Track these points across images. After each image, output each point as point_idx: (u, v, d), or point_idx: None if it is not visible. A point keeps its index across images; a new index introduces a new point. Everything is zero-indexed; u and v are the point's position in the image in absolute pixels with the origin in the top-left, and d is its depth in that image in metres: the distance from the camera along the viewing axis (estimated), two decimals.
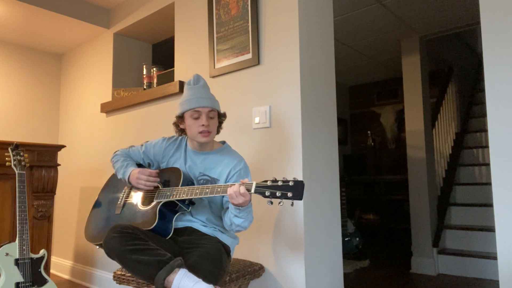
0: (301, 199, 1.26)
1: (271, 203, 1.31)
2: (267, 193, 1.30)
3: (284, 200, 1.28)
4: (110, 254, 1.39)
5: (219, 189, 1.41)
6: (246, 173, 1.64)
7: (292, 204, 1.29)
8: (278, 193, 1.28)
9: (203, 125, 1.56)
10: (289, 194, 1.27)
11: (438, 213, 3.60)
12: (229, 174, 1.60)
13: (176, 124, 1.69)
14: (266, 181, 1.33)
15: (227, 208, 1.54)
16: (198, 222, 1.61)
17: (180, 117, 1.63)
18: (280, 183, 1.29)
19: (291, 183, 1.28)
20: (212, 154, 1.66)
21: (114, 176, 1.85)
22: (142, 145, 1.77)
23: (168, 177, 1.62)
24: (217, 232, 1.62)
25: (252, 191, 1.33)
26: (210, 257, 1.41)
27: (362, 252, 4.12)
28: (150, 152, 1.74)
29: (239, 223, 1.48)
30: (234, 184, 1.37)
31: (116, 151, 1.79)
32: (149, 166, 1.77)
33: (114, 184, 1.82)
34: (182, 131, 1.70)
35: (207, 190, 1.43)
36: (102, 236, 1.59)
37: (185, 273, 1.28)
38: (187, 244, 1.52)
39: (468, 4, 3.04)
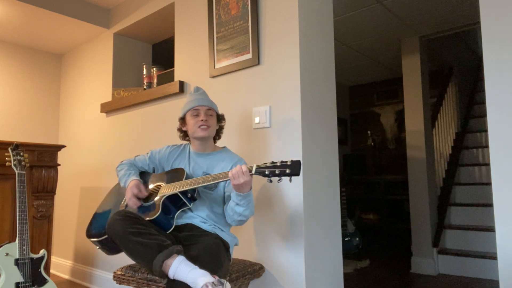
0: (298, 175, 1.34)
1: (271, 181, 1.39)
2: (266, 172, 1.38)
3: (282, 177, 1.36)
4: (112, 236, 1.44)
5: (221, 176, 1.48)
6: None
7: (290, 180, 1.37)
8: (277, 171, 1.36)
9: (202, 120, 1.69)
10: (287, 171, 1.34)
11: (438, 213, 3.60)
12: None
13: (179, 129, 1.81)
14: (265, 163, 1.42)
15: (229, 202, 1.61)
16: (198, 218, 1.65)
17: (182, 119, 1.77)
18: (278, 163, 1.37)
19: (289, 162, 1.36)
20: (214, 155, 1.75)
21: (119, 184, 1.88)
22: (147, 153, 1.88)
23: (172, 175, 1.69)
24: (216, 229, 1.66)
25: (253, 171, 1.41)
26: (208, 250, 1.45)
27: (362, 252, 4.11)
28: (155, 158, 1.84)
29: (240, 211, 1.54)
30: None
31: (122, 161, 1.87)
32: (153, 171, 1.84)
33: (119, 189, 1.86)
34: (185, 135, 1.81)
35: (210, 178, 1.50)
36: (104, 232, 1.61)
37: (183, 260, 1.33)
38: (186, 240, 1.55)
39: (468, 4, 3.04)
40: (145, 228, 1.42)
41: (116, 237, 1.42)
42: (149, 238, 1.38)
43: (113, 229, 1.43)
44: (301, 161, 1.78)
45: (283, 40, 1.91)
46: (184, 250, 1.43)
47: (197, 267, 1.31)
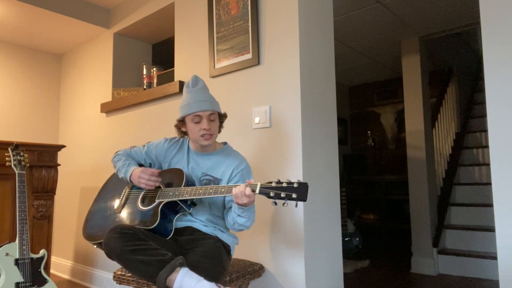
0: (305, 200, 1.27)
1: (275, 203, 1.31)
2: (271, 194, 1.30)
3: (288, 201, 1.29)
4: (110, 254, 1.39)
5: (223, 190, 1.41)
6: (249, 173, 1.65)
7: (296, 205, 1.30)
8: (282, 194, 1.28)
9: (204, 129, 1.57)
10: (294, 195, 1.27)
11: (438, 213, 3.60)
12: (232, 174, 1.61)
13: (177, 127, 1.70)
14: (270, 182, 1.33)
15: (230, 208, 1.56)
16: (198, 222, 1.62)
17: (181, 121, 1.64)
18: (284, 185, 1.30)
19: (295, 185, 1.28)
20: (214, 155, 1.67)
21: (114, 176, 1.84)
22: (144, 146, 1.78)
23: (170, 177, 1.62)
24: (217, 231, 1.62)
25: (257, 191, 1.34)
26: (210, 255, 1.42)
27: (362, 252, 4.11)
28: (152, 152, 1.75)
29: (242, 223, 1.50)
30: (240, 185, 1.38)
31: (117, 151, 1.79)
32: (150, 166, 1.77)
33: (114, 184, 1.82)
34: (184, 134, 1.71)
35: (211, 191, 1.43)
36: (101, 235, 1.59)
37: (187, 272, 1.29)
38: (187, 244, 1.53)
39: (468, 4, 3.04)
40: (143, 244, 1.36)
41: (114, 256, 1.38)
42: (149, 255, 1.33)
43: (110, 248, 1.38)
44: (301, 161, 1.78)
45: (283, 40, 1.91)
46: (186, 255, 1.41)
47: (202, 279, 1.27)
